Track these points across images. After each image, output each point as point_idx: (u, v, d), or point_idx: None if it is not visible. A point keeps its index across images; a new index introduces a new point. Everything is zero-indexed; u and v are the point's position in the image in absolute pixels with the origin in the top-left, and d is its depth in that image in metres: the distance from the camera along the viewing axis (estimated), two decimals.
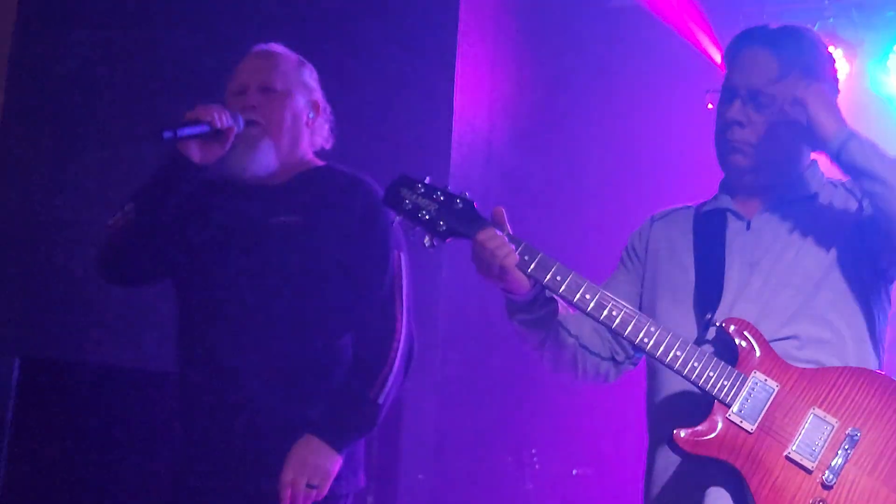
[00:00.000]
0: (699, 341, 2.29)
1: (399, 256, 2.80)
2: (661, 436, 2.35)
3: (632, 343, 2.27)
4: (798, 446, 2.14)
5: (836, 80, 2.49)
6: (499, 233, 2.24)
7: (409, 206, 2.30)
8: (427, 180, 2.32)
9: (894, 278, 2.46)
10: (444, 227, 2.28)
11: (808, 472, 2.13)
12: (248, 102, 2.77)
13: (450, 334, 4.58)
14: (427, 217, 2.29)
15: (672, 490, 2.34)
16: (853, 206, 2.41)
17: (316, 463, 2.60)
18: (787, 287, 2.34)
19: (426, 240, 2.28)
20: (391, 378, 2.70)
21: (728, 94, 2.41)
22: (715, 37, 5.71)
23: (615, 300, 2.25)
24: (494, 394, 4.88)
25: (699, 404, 2.22)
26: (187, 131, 2.60)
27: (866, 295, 2.38)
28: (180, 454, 2.77)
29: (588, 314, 2.25)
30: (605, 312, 2.23)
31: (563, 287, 2.24)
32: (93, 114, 3.88)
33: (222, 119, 2.63)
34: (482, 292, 4.69)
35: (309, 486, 2.58)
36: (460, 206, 2.30)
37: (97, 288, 3.22)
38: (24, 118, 3.85)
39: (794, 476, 2.14)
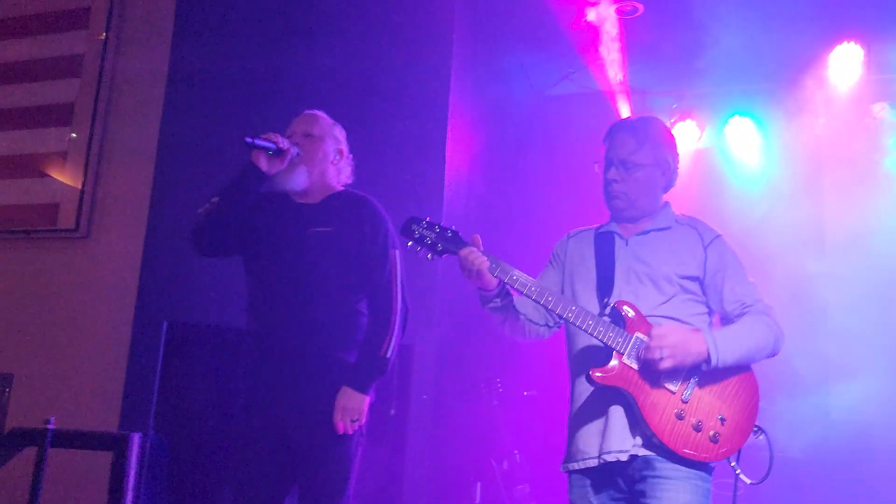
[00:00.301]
0: (601, 314, 2.32)
1: (395, 254, 2.77)
2: (578, 373, 2.41)
3: (560, 316, 2.31)
4: (664, 377, 2.22)
5: (675, 147, 2.53)
6: (475, 249, 2.27)
7: (417, 235, 2.34)
8: (428, 218, 2.37)
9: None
10: (441, 248, 2.32)
11: (673, 392, 2.20)
12: (293, 141, 2.75)
13: (447, 302, 4.59)
14: (429, 242, 2.33)
15: (588, 408, 2.36)
16: (696, 241, 2.45)
17: (353, 405, 2.61)
18: (652, 285, 2.38)
19: (428, 255, 2.32)
20: (393, 339, 2.68)
21: (607, 163, 2.47)
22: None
23: (549, 290, 2.30)
24: (474, 343, 4.91)
25: (602, 354, 2.27)
26: (260, 142, 2.60)
27: (699, 292, 2.42)
28: (253, 390, 2.73)
29: (533, 300, 2.30)
30: (544, 298, 2.28)
31: (517, 283, 2.29)
32: (239, 118, 3.76)
33: (284, 143, 2.64)
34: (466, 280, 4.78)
35: (352, 420, 2.60)
36: (450, 234, 2.34)
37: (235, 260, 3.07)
38: (181, 118, 3.76)
39: (664, 395, 2.20)
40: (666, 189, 2.52)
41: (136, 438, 2.12)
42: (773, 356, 2.35)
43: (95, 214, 3.68)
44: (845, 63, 5.27)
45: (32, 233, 3.75)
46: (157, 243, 3.65)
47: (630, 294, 2.34)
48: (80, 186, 3.70)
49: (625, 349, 2.22)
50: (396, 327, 2.70)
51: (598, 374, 2.21)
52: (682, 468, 2.16)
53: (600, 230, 2.55)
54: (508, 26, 5.22)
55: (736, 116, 5.64)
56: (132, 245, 3.62)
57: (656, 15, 5.21)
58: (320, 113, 2.91)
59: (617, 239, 2.48)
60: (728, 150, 5.72)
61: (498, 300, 2.39)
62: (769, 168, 5.58)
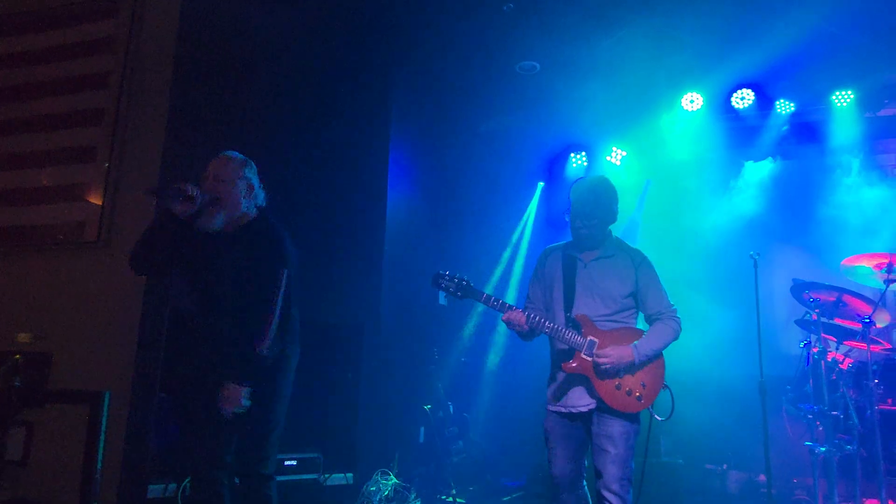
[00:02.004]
0: (566, 324, 2.61)
1: (283, 272, 2.62)
2: (555, 361, 2.71)
3: (544, 331, 2.61)
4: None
5: (616, 197, 2.71)
6: (517, 312, 2.55)
7: (443, 285, 2.57)
8: (448, 272, 2.59)
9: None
10: (459, 294, 2.56)
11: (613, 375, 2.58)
12: (207, 186, 2.64)
13: (389, 290, 4.62)
14: (451, 290, 2.57)
15: (560, 380, 2.67)
16: (630, 265, 2.68)
17: (234, 396, 2.51)
18: (604, 299, 2.65)
19: (455, 298, 2.58)
20: (268, 339, 2.54)
21: (573, 214, 2.66)
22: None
23: (546, 321, 2.58)
24: (413, 322, 4.95)
25: (569, 351, 2.60)
26: (163, 192, 2.51)
27: (633, 301, 2.70)
28: (203, 350, 2.67)
29: (541, 330, 2.59)
30: (548, 328, 2.58)
31: (537, 325, 2.57)
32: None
33: (191, 189, 2.52)
34: (403, 273, 4.79)
35: (234, 405, 2.52)
36: (464, 283, 2.57)
37: None
38: (177, 158, 3.58)
39: (607, 377, 2.58)
40: (611, 224, 2.74)
41: (107, 396, 2.09)
42: (675, 340, 2.68)
43: (112, 230, 3.63)
44: (690, 104, 5.41)
45: (66, 244, 3.74)
46: None
47: (584, 307, 2.63)
48: (100, 208, 3.67)
49: (582, 349, 2.56)
50: (271, 331, 2.54)
51: (567, 366, 2.59)
52: (621, 417, 2.56)
53: (567, 251, 2.75)
54: (446, 71, 5.27)
55: (614, 147, 5.80)
56: None
57: (552, 73, 5.31)
58: (231, 155, 2.77)
59: (578, 262, 2.71)
60: (611, 168, 5.87)
61: (531, 335, 2.65)
62: (637, 177, 5.78)
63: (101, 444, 2.00)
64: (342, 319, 4.34)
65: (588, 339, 2.55)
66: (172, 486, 3.56)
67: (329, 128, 4.32)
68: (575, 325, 2.58)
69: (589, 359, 2.54)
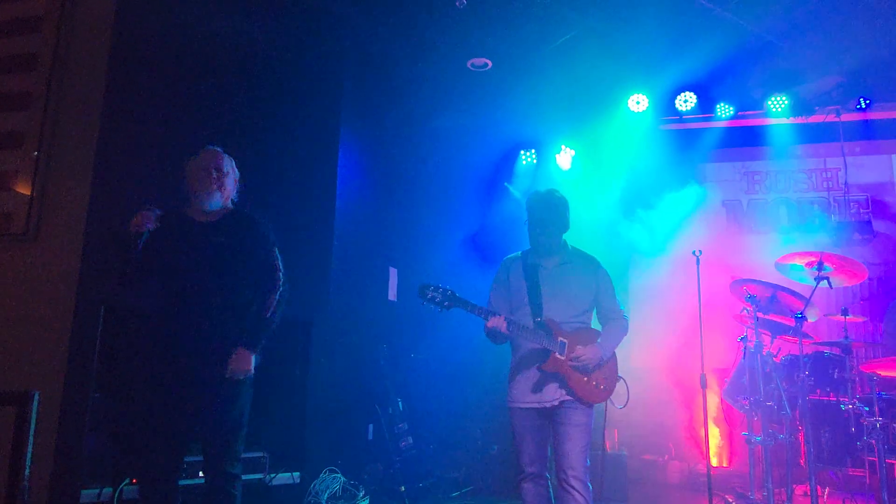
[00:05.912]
0: (535, 326, 2.75)
1: (275, 250, 2.76)
2: (523, 360, 2.83)
3: (519, 336, 2.76)
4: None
5: (567, 206, 2.87)
6: (500, 319, 2.67)
7: (429, 296, 2.65)
8: (433, 285, 2.68)
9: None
10: (446, 304, 2.64)
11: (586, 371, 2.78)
12: (213, 176, 2.71)
13: (338, 286, 4.53)
14: (437, 299, 2.65)
15: (525, 377, 2.81)
16: (590, 272, 2.88)
17: (245, 362, 2.59)
18: (570, 302, 2.82)
19: (438, 310, 2.66)
20: (274, 304, 2.68)
21: (531, 223, 2.83)
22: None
23: (520, 325, 2.73)
24: (361, 318, 4.88)
25: (542, 352, 2.76)
26: (124, 240, 2.54)
27: (592, 303, 2.89)
28: (172, 349, 2.60)
29: (517, 335, 2.74)
30: (521, 333, 2.73)
31: (514, 330, 2.72)
32: (156, 143, 3.57)
33: (144, 220, 2.56)
34: (352, 269, 4.70)
35: (244, 371, 2.60)
36: (449, 293, 2.66)
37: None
38: (112, 144, 3.47)
39: (579, 373, 2.77)
40: (565, 232, 2.90)
41: (35, 396, 1.95)
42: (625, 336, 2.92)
43: (41, 221, 3.44)
44: (636, 105, 5.54)
45: None
46: (93, 242, 3.45)
47: (551, 310, 2.79)
48: (28, 198, 3.46)
49: (556, 349, 2.73)
50: (277, 298, 2.69)
51: (545, 366, 2.75)
52: (584, 406, 2.75)
53: (527, 261, 2.89)
54: (398, 66, 5.21)
55: (563, 146, 5.87)
56: (72, 245, 3.41)
57: (503, 70, 5.32)
58: (220, 150, 2.83)
59: (541, 269, 2.86)
60: (559, 167, 5.94)
61: (500, 340, 2.80)
62: (585, 176, 5.86)
63: (30, 448, 1.86)
64: (290, 315, 4.22)
65: (559, 340, 2.74)
66: (108, 490, 3.38)
67: (277, 120, 4.19)
68: (544, 328, 2.74)
69: (562, 358, 2.73)
